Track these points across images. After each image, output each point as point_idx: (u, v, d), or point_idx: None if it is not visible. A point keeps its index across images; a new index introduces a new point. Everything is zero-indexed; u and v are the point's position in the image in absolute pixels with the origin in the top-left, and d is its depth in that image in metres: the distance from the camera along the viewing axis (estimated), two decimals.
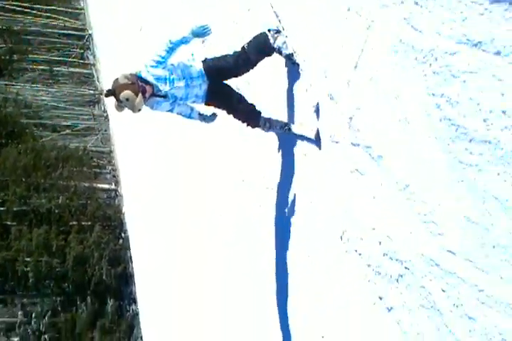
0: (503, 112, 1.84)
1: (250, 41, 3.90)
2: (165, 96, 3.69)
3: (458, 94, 2.06)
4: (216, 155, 6.65)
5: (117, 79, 3.51)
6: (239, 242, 5.93)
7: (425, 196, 2.39)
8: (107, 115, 21.28)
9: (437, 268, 2.32)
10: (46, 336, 15.85)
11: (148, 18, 11.16)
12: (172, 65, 3.69)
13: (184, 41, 3.62)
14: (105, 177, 19.68)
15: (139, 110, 3.54)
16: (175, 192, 9.38)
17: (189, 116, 4.00)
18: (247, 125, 4.15)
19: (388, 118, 2.60)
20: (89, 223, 17.69)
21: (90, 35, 24.20)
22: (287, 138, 4.34)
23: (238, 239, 5.96)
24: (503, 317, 1.95)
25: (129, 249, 17.06)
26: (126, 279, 17.08)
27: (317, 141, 3.86)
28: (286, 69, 4.23)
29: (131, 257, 16.92)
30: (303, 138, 4.05)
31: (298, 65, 4.00)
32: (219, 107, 4.05)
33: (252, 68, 3.95)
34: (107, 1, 18.66)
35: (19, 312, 16.24)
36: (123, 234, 17.70)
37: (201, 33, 3.64)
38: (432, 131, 2.23)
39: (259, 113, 4.08)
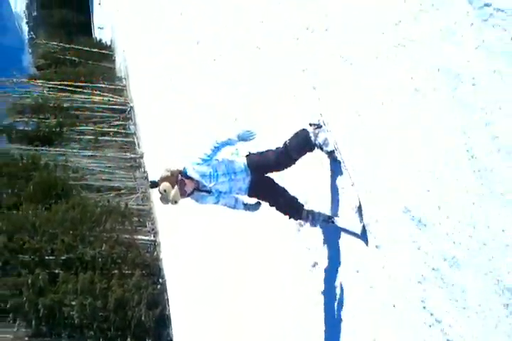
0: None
1: (292, 138, 4.14)
2: (209, 192, 3.96)
3: None
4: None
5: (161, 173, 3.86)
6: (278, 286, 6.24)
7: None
8: (147, 177, 24.26)
9: None
10: None
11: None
12: (216, 160, 3.97)
13: (229, 143, 3.95)
14: (145, 231, 22.20)
15: (176, 202, 3.79)
16: (210, 240, 10.44)
17: (234, 207, 4.21)
18: (290, 217, 4.32)
19: None
20: (130, 271, 19.96)
21: (132, 107, 28.02)
22: (331, 231, 4.47)
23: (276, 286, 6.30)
24: None
25: (166, 292, 19.12)
26: (163, 321, 18.93)
27: (363, 235, 3.90)
28: (328, 162, 4.42)
29: (168, 300, 18.92)
30: (348, 232, 4.12)
31: (340, 162, 4.15)
32: (262, 199, 4.25)
33: (294, 163, 4.17)
34: (145, 79, 22.25)
35: None
36: (160, 280, 19.84)
37: (246, 137, 3.96)
38: None
39: (302, 205, 4.26)
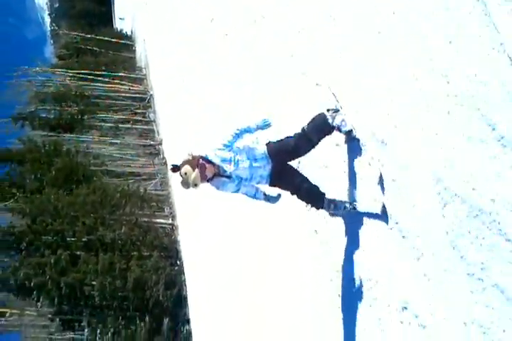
0: None
1: (310, 122, 4.23)
2: (230, 177, 4.01)
3: None
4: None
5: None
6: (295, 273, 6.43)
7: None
8: (166, 163, 25.13)
9: None
10: None
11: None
12: (238, 147, 4.06)
13: (248, 130, 4.10)
14: (163, 215, 23.10)
15: (196, 185, 3.84)
16: (229, 225, 10.68)
17: (254, 196, 4.26)
18: (311, 206, 4.43)
19: None
20: (148, 253, 20.87)
21: (151, 95, 28.91)
22: (352, 219, 4.53)
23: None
24: None
25: (183, 273, 19.96)
26: (180, 301, 19.80)
27: (383, 216, 4.00)
28: (346, 146, 4.54)
29: (185, 281, 19.77)
30: (369, 215, 4.21)
31: (358, 140, 4.27)
32: (283, 188, 4.30)
33: (314, 147, 4.25)
34: (165, 67, 23.00)
35: (86, 330, 19.29)
36: (178, 261, 20.70)
37: (263, 126, 4.16)
38: None
39: (323, 194, 4.30)
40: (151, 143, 27.07)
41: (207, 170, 3.87)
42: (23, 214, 21.24)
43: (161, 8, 23.23)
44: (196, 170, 3.79)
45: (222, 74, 10.56)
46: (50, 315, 19.98)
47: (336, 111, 4.31)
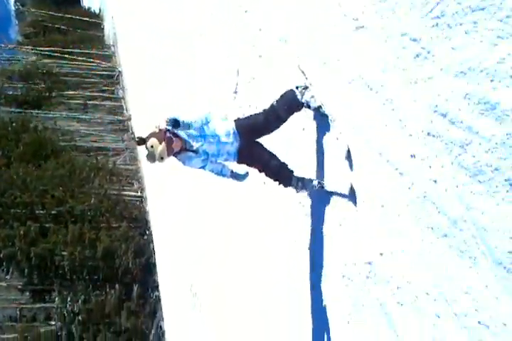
0: None
1: (279, 98, 4.28)
2: (196, 152, 4.00)
3: None
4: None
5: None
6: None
7: None
8: (134, 138, 25.97)
9: None
10: (79, 317, 19.68)
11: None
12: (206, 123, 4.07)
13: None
14: (132, 188, 24.05)
15: (162, 159, 3.82)
16: (195, 193, 11.04)
17: (220, 173, 4.23)
18: (279, 184, 4.41)
19: None
20: (117, 224, 21.83)
21: (120, 72, 29.67)
22: (319, 197, 4.58)
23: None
24: None
25: (152, 242, 21.00)
26: (149, 269, 20.85)
27: (352, 196, 4.03)
28: (314, 123, 4.56)
29: (154, 249, 20.81)
30: (337, 194, 4.26)
31: (327, 116, 4.29)
32: (251, 165, 4.33)
33: (282, 124, 4.30)
34: (133, 44, 23.68)
35: (56, 298, 20.25)
36: (147, 231, 21.72)
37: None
38: None
39: (292, 172, 4.34)
40: (120, 118, 27.89)
41: (174, 144, 3.87)
42: None
43: None
44: (163, 143, 3.79)
45: (193, 50, 10.76)
46: (20, 286, 20.83)
47: (305, 88, 4.37)
